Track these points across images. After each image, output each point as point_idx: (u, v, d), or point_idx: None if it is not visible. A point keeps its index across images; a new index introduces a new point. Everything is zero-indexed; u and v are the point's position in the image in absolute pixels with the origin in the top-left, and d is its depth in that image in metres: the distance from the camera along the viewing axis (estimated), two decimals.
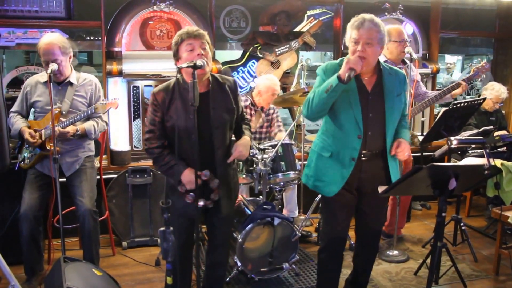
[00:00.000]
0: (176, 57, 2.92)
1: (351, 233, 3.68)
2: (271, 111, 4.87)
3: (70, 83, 3.78)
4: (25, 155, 3.78)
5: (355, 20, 2.96)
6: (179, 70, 2.80)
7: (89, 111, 3.67)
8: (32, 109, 3.84)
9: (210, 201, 2.92)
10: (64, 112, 3.70)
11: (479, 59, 6.47)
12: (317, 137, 3.24)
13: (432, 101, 4.59)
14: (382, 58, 4.36)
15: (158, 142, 2.92)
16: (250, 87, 5.51)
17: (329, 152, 3.08)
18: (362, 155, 3.03)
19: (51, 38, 3.65)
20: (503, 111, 5.95)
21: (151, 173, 4.73)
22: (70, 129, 3.64)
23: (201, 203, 2.79)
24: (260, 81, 4.73)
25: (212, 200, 2.93)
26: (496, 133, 4.98)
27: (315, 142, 3.24)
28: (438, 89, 6.34)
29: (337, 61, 3.11)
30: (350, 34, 2.97)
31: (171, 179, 2.96)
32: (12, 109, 3.84)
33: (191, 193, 2.82)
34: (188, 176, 2.84)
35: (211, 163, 2.93)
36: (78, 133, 3.68)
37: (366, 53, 2.89)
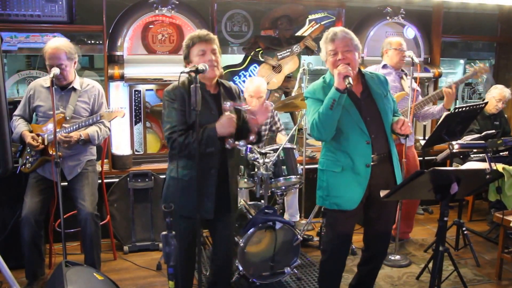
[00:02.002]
0: (187, 60, 2.96)
1: (353, 238, 3.67)
2: (270, 114, 4.85)
3: (74, 89, 3.79)
4: (27, 159, 3.78)
5: (327, 34, 3.10)
6: (188, 74, 2.80)
7: (94, 119, 3.67)
8: (35, 114, 3.85)
9: (254, 136, 2.95)
10: (67, 118, 3.71)
11: (473, 62, 6.48)
12: (321, 156, 3.24)
13: (420, 106, 4.58)
14: (381, 63, 4.47)
15: (179, 132, 2.85)
16: None
17: (339, 167, 3.08)
18: (371, 160, 3.05)
19: (57, 43, 3.67)
20: (506, 115, 5.94)
21: (153, 177, 4.73)
22: (74, 134, 3.64)
23: (251, 137, 2.93)
24: (245, 83, 4.76)
25: (252, 140, 2.96)
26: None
27: (321, 161, 3.24)
28: None
29: (320, 80, 3.20)
30: (326, 48, 3.08)
31: (211, 145, 2.84)
32: (15, 113, 3.85)
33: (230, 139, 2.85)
34: (222, 122, 2.81)
35: (223, 163, 2.96)
36: (82, 138, 3.68)
37: (349, 59, 2.99)
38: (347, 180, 3.07)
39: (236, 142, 2.88)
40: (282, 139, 4.73)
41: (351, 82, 2.86)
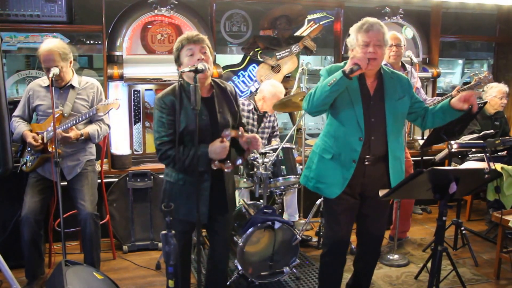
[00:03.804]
0: (178, 62, 2.95)
1: (352, 237, 3.69)
2: (273, 118, 4.89)
3: (72, 87, 3.79)
4: (27, 158, 3.79)
5: (363, 24, 2.97)
6: (181, 75, 2.81)
7: (91, 113, 3.68)
8: (35, 113, 3.86)
9: (243, 157, 2.96)
10: (66, 115, 3.71)
11: (478, 70, 6.46)
12: (319, 139, 3.25)
13: None
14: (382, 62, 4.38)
15: (170, 144, 2.87)
16: (250, 91, 5.51)
17: (330, 154, 3.09)
18: (365, 160, 3.04)
19: (50, 45, 3.65)
20: (505, 115, 5.95)
21: (152, 177, 4.73)
22: (73, 134, 3.65)
23: (239, 161, 2.93)
24: (265, 87, 4.72)
25: (245, 158, 2.96)
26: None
27: (316, 143, 3.25)
28: (438, 94, 6.39)
29: (341, 63, 3.12)
30: (357, 38, 2.98)
31: (201, 166, 2.84)
32: (14, 113, 3.86)
33: (220, 161, 2.83)
34: (216, 149, 2.80)
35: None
36: (82, 138, 3.70)
37: (377, 54, 2.93)
38: (333, 168, 3.08)
39: (222, 164, 2.85)
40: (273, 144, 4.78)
41: (355, 70, 2.80)
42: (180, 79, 2.79)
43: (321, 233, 4.66)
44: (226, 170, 2.88)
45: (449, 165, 4.80)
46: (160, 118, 2.90)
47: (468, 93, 2.92)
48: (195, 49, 2.87)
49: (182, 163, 2.84)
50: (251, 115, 4.71)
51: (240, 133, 2.85)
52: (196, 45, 2.88)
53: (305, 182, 3.28)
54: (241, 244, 3.66)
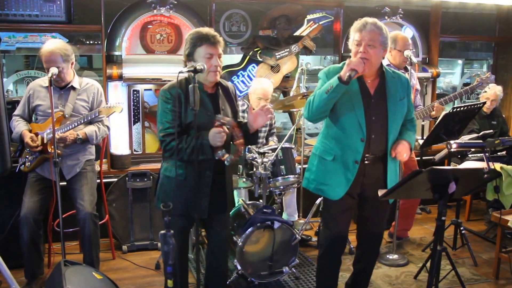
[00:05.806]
0: (190, 58, 2.91)
1: (351, 237, 3.69)
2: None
3: (73, 88, 3.79)
4: (26, 158, 3.78)
5: (358, 23, 2.98)
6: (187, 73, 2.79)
7: (93, 115, 3.68)
8: (34, 113, 3.85)
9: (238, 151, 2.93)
10: (66, 116, 3.71)
11: (479, 71, 6.48)
12: (318, 141, 3.24)
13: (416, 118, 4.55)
14: (385, 62, 4.36)
15: (174, 135, 2.85)
16: None
17: (331, 155, 3.08)
18: (365, 159, 3.04)
19: (52, 46, 3.65)
20: (504, 115, 5.95)
21: (151, 177, 4.73)
22: (69, 133, 3.64)
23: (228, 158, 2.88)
24: (252, 85, 4.76)
25: (235, 158, 2.93)
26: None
27: (316, 146, 3.24)
28: (438, 94, 6.39)
29: (340, 64, 3.11)
30: (353, 37, 2.99)
31: (203, 153, 2.84)
32: (14, 113, 3.85)
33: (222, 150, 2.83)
34: (214, 137, 2.80)
35: (218, 161, 2.93)
36: (79, 137, 3.69)
37: (368, 55, 2.91)
38: (335, 170, 3.08)
39: (224, 157, 2.84)
40: (272, 144, 4.76)
41: (352, 76, 2.81)
42: (181, 75, 2.78)
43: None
44: (226, 162, 2.87)
45: (449, 164, 4.81)
46: (165, 109, 2.90)
47: (400, 148, 3.05)
48: (214, 53, 2.87)
49: (184, 152, 2.84)
50: (245, 114, 4.70)
51: (224, 121, 2.84)
52: (215, 49, 2.88)
53: (307, 184, 3.27)
54: (240, 244, 3.66)
